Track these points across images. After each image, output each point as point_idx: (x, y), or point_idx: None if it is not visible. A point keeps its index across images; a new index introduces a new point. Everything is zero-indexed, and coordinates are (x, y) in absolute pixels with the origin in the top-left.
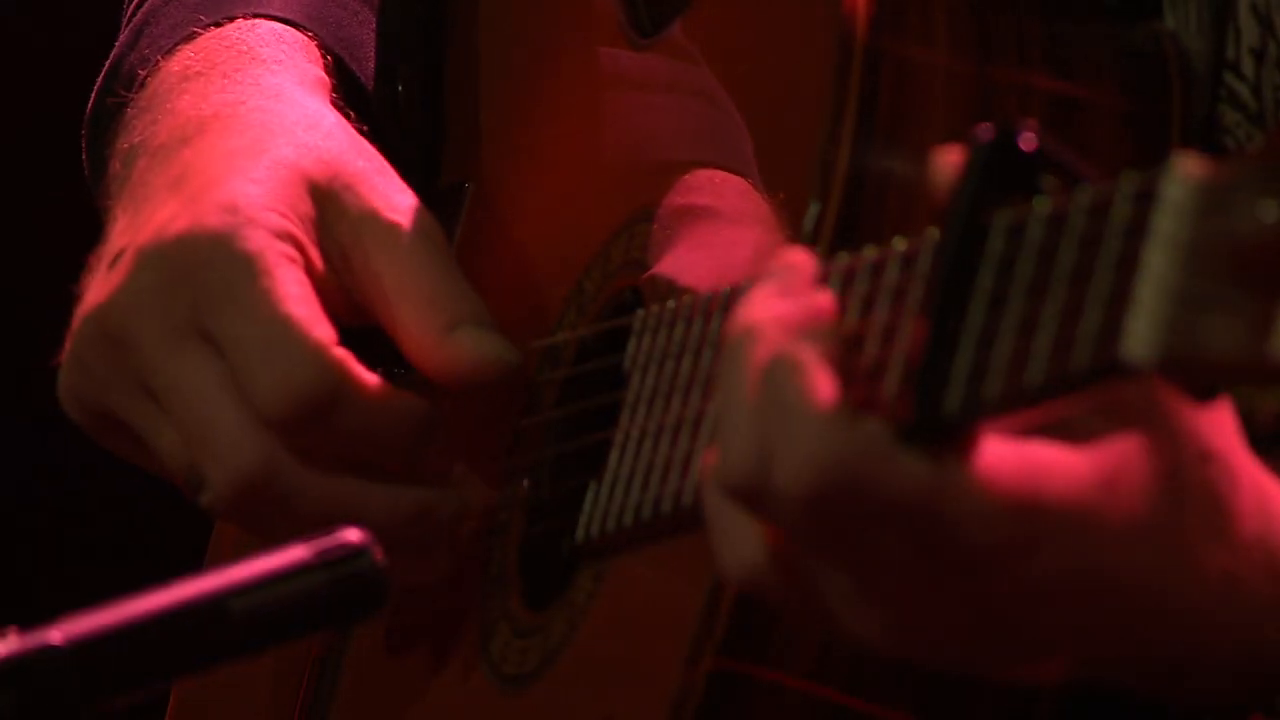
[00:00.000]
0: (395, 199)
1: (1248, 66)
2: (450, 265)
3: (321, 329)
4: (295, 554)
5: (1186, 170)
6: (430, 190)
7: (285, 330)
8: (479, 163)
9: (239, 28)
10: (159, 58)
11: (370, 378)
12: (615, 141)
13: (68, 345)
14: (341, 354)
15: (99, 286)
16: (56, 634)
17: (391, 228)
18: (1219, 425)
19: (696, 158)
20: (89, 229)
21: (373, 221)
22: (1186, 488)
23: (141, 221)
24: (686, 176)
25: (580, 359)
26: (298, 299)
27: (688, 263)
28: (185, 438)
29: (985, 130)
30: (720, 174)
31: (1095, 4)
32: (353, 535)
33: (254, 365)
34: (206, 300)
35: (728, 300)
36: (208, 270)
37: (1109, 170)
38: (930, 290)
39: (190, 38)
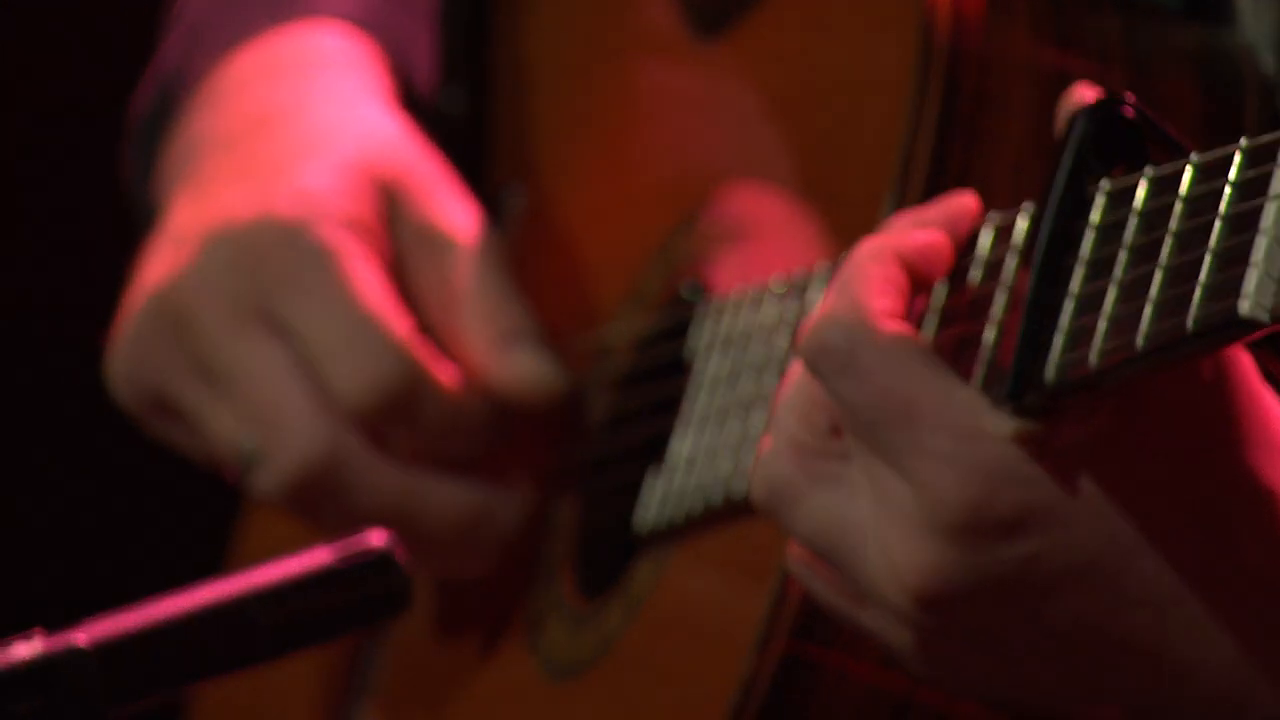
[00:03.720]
0: (456, 211)
1: None
2: (507, 282)
3: (401, 322)
4: (319, 557)
5: None
6: (478, 191)
7: (366, 322)
8: (530, 164)
9: (308, 29)
10: (222, 55)
11: (450, 372)
12: (670, 144)
13: (123, 324)
14: (422, 347)
15: (161, 266)
16: (82, 637)
17: (452, 239)
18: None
19: (745, 165)
20: (82, 230)
21: (434, 231)
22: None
23: (206, 205)
24: (731, 187)
25: (636, 351)
26: (376, 292)
27: (737, 276)
28: (250, 419)
29: (1086, 97)
30: (764, 185)
31: (1164, 6)
32: (376, 538)
33: (335, 357)
34: (279, 287)
35: (804, 284)
36: (280, 258)
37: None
38: (1031, 259)
39: (254, 37)
